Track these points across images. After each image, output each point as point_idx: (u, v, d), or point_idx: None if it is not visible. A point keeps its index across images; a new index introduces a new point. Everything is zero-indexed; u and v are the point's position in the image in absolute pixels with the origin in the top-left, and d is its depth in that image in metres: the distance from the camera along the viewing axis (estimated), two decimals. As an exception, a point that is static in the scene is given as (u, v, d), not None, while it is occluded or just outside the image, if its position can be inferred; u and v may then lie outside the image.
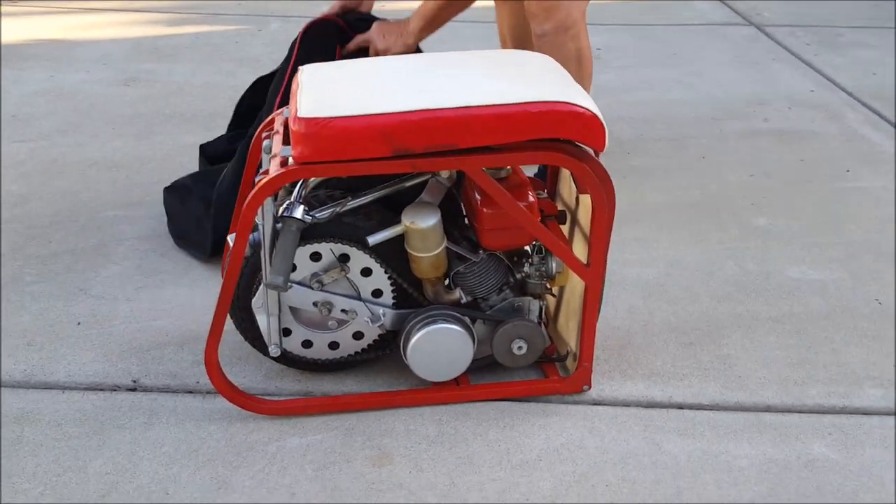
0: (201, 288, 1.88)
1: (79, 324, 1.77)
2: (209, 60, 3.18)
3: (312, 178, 1.48)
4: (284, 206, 1.44)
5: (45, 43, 3.33)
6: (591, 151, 1.45)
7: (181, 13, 3.80)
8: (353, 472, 1.42)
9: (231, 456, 1.45)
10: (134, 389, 1.60)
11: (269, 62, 3.26)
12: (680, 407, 1.59)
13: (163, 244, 2.05)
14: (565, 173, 1.67)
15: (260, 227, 1.44)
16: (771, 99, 3.03)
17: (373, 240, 1.47)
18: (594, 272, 1.50)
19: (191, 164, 2.41)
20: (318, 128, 1.32)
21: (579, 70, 2.15)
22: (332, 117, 1.33)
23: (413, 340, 1.51)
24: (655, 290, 1.93)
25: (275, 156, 1.43)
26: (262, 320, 1.51)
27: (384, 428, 1.51)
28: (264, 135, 1.59)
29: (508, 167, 1.53)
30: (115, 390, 1.59)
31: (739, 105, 2.97)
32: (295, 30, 2.08)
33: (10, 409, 1.54)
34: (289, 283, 1.48)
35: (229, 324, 1.73)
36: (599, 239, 1.48)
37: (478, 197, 1.50)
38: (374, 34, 2.05)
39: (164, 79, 3.04)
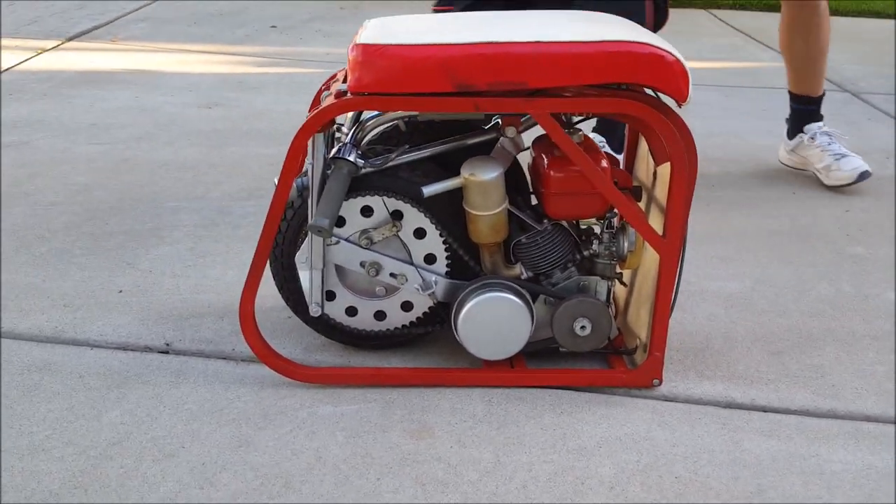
0: (252, 270, 1.79)
1: (120, 292, 1.69)
2: (293, 93, 3.18)
3: (370, 124, 1.39)
4: (336, 148, 1.35)
5: (136, 72, 3.40)
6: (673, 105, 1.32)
7: (271, 57, 3.86)
8: (387, 441, 1.28)
9: (258, 418, 1.32)
10: (166, 352, 1.50)
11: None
12: (764, 410, 1.40)
13: (220, 232, 1.98)
14: (642, 152, 1.55)
15: (309, 170, 1.35)
16: (867, 151, 2.84)
17: (428, 190, 1.36)
18: (670, 244, 1.35)
19: (259, 171, 2.37)
20: (375, 55, 1.24)
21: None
22: (390, 44, 1.24)
23: (465, 309, 1.38)
24: (739, 301, 1.76)
25: (330, 93, 1.35)
26: (304, 277, 1.40)
27: (427, 404, 1.37)
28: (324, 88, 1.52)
29: (581, 133, 1.41)
30: (146, 351, 1.50)
31: (835, 153, 2.80)
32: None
33: (34, 360, 1.46)
34: (336, 239, 1.37)
35: (273, 300, 1.64)
36: (677, 207, 1.33)
37: (545, 159, 1.38)
38: None
39: (246, 105, 3.05)
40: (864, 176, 2.36)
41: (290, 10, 4.99)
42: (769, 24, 5.57)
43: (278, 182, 1.31)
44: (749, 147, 2.81)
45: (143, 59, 3.64)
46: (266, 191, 2.21)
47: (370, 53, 1.24)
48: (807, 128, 2.49)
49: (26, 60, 3.51)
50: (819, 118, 2.54)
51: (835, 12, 6.53)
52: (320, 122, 1.27)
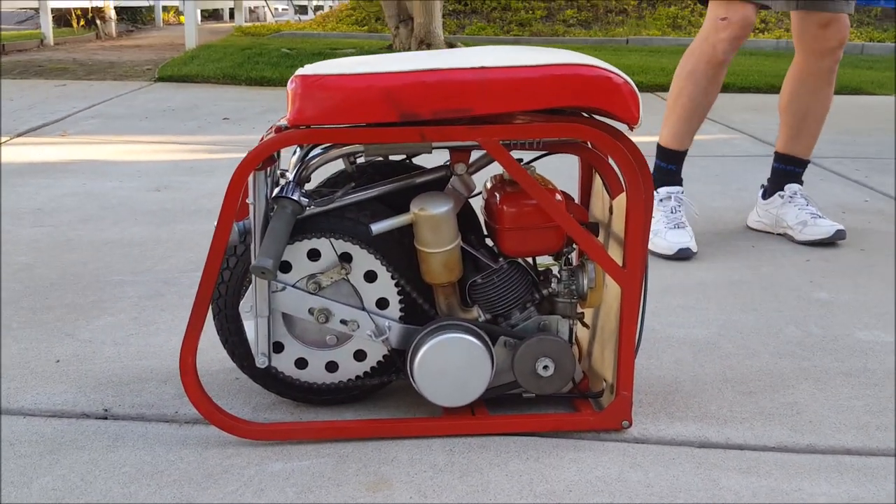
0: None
1: (58, 361, 1.59)
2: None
3: (315, 162, 1.34)
4: (280, 187, 1.29)
5: (84, 162, 3.34)
6: (623, 129, 1.29)
7: (223, 145, 3.84)
8: (342, 495, 1.18)
9: (201, 478, 1.22)
10: (104, 418, 1.39)
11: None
12: (740, 448, 1.33)
13: (166, 301, 1.89)
14: (597, 189, 1.51)
15: (251, 211, 1.29)
16: (823, 206, 2.85)
17: (377, 227, 1.30)
18: (632, 274, 1.30)
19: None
20: (315, 86, 1.20)
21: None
22: (330, 74, 1.21)
23: (421, 353, 1.30)
24: (706, 346, 1.70)
25: (270, 129, 1.30)
26: (249, 326, 1.32)
27: (384, 456, 1.28)
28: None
29: (534, 169, 1.38)
30: (83, 417, 1.39)
31: (790, 211, 2.81)
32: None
33: (-40, 431, 1.34)
34: (281, 282, 1.30)
35: (218, 360, 1.55)
36: (636, 235, 1.29)
37: (497, 195, 1.34)
38: None
39: (197, 187, 3.00)
40: (840, 235, 2.34)
41: (243, 105, 5.01)
42: (719, 103, 5.75)
43: (217, 223, 1.24)
44: (704, 209, 2.81)
45: (92, 151, 3.59)
46: (215, 262, 2.14)
47: (309, 84, 1.20)
48: (787, 187, 2.46)
49: (-28, 154, 3.45)
50: (800, 182, 2.49)
51: (776, 90, 6.75)
52: (260, 158, 1.22)
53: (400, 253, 1.34)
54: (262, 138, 1.31)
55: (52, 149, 3.61)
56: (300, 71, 1.23)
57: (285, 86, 1.52)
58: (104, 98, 5.12)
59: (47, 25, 8.72)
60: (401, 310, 1.35)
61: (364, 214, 1.34)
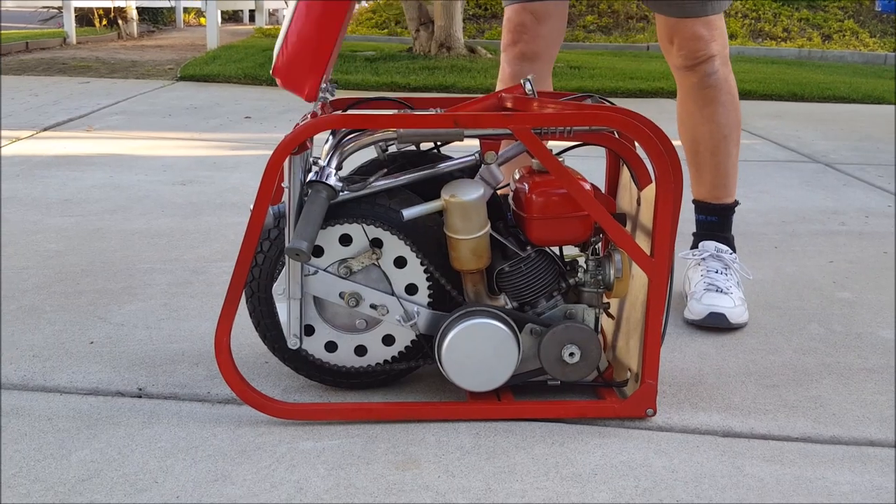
0: (227, 322, 1.73)
1: (91, 343, 1.62)
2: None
3: (348, 148, 1.37)
4: (314, 171, 1.32)
5: (110, 156, 3.39)
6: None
7: (245, 142, 3.88)
8: (371, 473, 1.20)
9: (235, 454, 1.25)
10: (139, 396, 1.42)
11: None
12: (764, 437, 1.34)
13: (194, 289, 1.92)
14: (624, 181, 1.53)
15: (286, 194, 1.31)
16: (846, 210, 2.87)
17: (408, 213, 1.32)
18: (659, 264, 1.31)
19: (234, 237, 2.33)
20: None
21: (738, 112, 1.85)
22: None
23: (449, 338, 1.32)
24: (729, 341, 1.71)
25: (305, 116, 1.33)
26: (282, 308, 1.35)
27: (412, 437, 1.30)
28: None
29: (563, 158, 1.40)
30: (117, 396, 1.42)
31: (812, 213, 2.81)
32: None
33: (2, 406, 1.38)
34: (313, 266, 1.33)
35: (249, 345, 1.57)
36: (664, 225, 1.31)
37: (526, 185, 1.36)
38: None
39: (221, 182, 3.03)
40: (711, 320, 1.74)
41: (264, 105, 5.05)
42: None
43: (254, 206, 1.27)
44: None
45: (117, 146, 3.64)
46: (242, 252, 2.17)
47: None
48: (702, 245, 1.90)
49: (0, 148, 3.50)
50: (723, 239, 1.89)
51: (799, 98, 6.69)
52: (297, 142, 1.25)
53: (430, 240, 1.37)
54: (297, 126, 1.34)
55: (78, 143, 3.65)
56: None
57: None
58: (127, 95, 5.18)
59: (70, 24, 8.81)
60: (429, 296, 1.38)
61: (395, 201, 1.37)
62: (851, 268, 2.22)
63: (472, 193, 1.32)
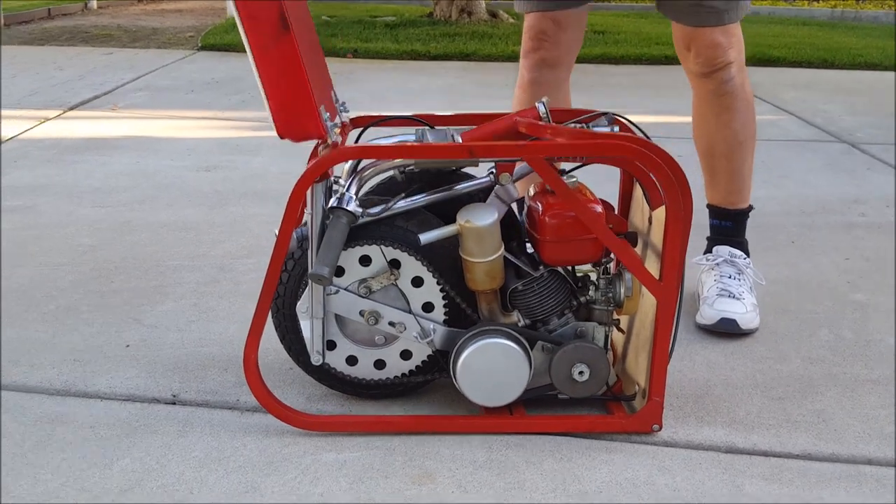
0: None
1: (127, 346, 1.71)
2: (288, 156, 3.23)
3: (368, 173, 1.42)
4: (335, 198, 1.37)
5: (136, 139, 3.46)
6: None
7: (266, 122, 3.94)
8: (390, 487, 1.28)
9: (263, 465, 1.33)
10: (173, 403, 1.51)
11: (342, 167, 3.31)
12: (765, 454, 1.40)
13: (222, 289, 2.00)
14: (637, 197, 1.57)
15: (308, 220, 1.37)
16: (868, 199, 2.88)
17: (425, 238, 1.38)
18: (668, 288, 1.36)
19: (258, 230, 2.40)
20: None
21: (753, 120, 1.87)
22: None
23: (464, 356, 1.39)
24: (739, 348, 1.76)
25: (327, 145, 1.38)
26: (305, 326, 1.42)
27: (428, 451, 1.37)
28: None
29: (576, 179, 1.44)
30: (153, 402, 1.51)
31: (833, 202, 2.83)
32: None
33: (46, 412, 1.47)
34: (334, 285, 1.39)
35: (274, 351, 1.65)
36: (674, 250, 1.35)
37: (540, 205, 1.41)
38: None
39: (244, 167, 3.10)
40: (722, 326, 1.79)
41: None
42: (763, 78, 5.68)
43: (279, 232, 1.33)
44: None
45: (142, 126, 3.71)
46: (266, 248, 2.24)
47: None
48: (716, 250, 1.94)
49: (29, 129, 3.58)
50: (737, 244, 1.94)
51: (829, 65, 6.59)
52: (318, 173, 1.30)
53: (445, 260, 1.42)
54: (317, 150, 1.40)
55: (104, 124, 3.73)
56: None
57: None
58: (150, 68, 5.23)
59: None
60: (445, 313, 1.44)
61: (412, 222, 1.42)
62: (867, 266, 2.25)
63: (485, 219, 1.37)
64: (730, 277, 1.88)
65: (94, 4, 8.86)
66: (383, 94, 4.83)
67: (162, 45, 6.33)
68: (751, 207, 1.95)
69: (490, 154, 1.31)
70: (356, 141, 1.54)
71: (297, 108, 1.28)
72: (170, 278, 2.06)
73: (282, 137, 1.33)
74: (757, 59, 6.26)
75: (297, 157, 3.02)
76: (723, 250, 1.93)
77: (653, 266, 1.44)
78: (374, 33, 6.70)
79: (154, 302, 1.92)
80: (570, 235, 1.39)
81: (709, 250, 1.98)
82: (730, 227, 1.94)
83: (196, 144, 3.41)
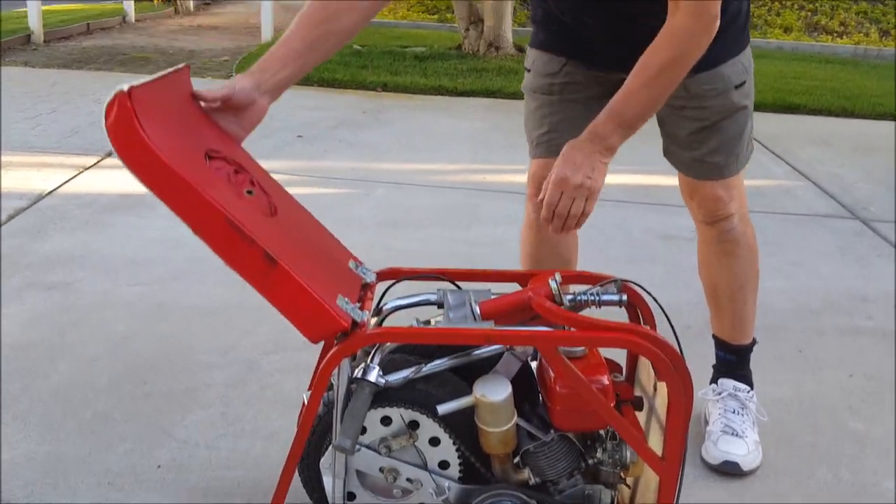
0: (277, 442, 1.91)
1: (159, 467, 1.81)
2: (319, 217, 3.33)
3: (389, 346, 1.52)
4: (360, 367, 1.47)
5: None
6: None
7: (298, 174, 4.05)
8: None
9: None
10: (199, 538, 1.61)
11: (373, 223, 3.42)
12: None
13: (249, 393, 2.10)
14: (644, 358, 1.66)
15: (335, 389, 1.47)
16: (875, 296, 2.95)
17: (442, 409, 1.48)
18: (670, 467, 1.45)
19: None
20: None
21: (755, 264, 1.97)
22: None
23: (477, 518, 1.48)
24: (740, 489, 1.85)
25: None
26: (328, 482, 1.52)
27: None
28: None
29: (585, 349, 1.53)
30: (181, 537, 1.61)
31: (841, 299, 2.90)
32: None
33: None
34: (357, 447, 1.49)
35: (294, 494, 1.74)
36: (675, 431, 1.44)
37: (552, 375, 1.50)
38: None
39: (274, 234, 3.20)
40: (726, 468, 1.88)
41: (316, 117, 5.20)
42: (782, 129, 5.71)
43: (308, 403, 1.43)
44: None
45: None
46: (290, 344, 2.33)
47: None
48: (721, 382, 2.03)
49: (69, 181, 3.71)
50: (741, 377, 2.02)
51: (849, 113, 6.62)
52: (345, 353, 1.40)
53: (461, 422, 1.52)
54: (343, 340, 1.49)
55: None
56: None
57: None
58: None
59: (129, 2, 9.00)
60: (460, 471, 1.53)
61: (431, 384, 1.52)
62: (869, 385, 2.32)
63: (500, 394, 1.46)
64: (734, 412, 1.97)
65: (132, 17, 9.00)
66: (410, 137, 4.93)
67: (197, 71, 6.46)
68: (754, 341, 2.04)
69: (505, 342, 1.41)
70: (380, 299, 1.64)
71: (313, 316, 1.37)
72: (200, 379, 2.16)
73: (315, 342, 1.42)
74: (777, 106, 6.31)
75: (327, 219, 3.10)
76: (727, 384, 2.02)
77: (656, 435, 1.53)
78: (403, 66, 6.80)
79: (184, 409, 2.03)
80: (580, 406, 1.48)
81: (714, 380, 2.06)
82: (733, 360, 2.04)
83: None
